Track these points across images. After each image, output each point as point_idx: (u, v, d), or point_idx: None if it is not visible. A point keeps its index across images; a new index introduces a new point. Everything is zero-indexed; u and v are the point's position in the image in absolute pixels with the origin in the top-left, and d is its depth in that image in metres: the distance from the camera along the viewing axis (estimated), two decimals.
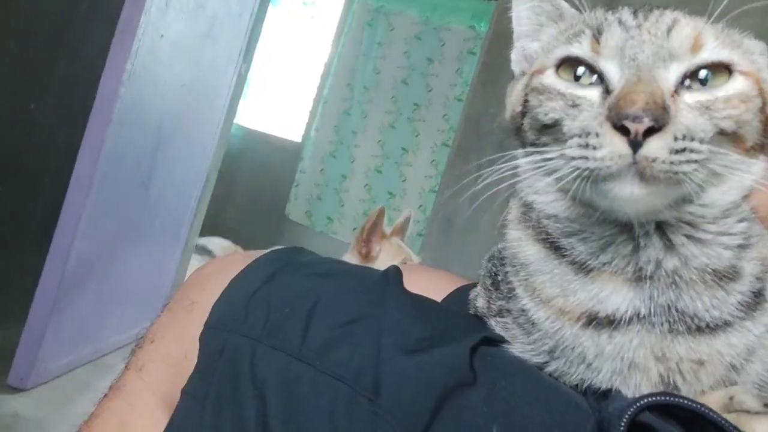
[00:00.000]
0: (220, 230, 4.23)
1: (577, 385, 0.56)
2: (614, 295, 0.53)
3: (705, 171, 0.48)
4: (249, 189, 4.66)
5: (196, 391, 0.59)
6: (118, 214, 2.15)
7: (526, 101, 0.58)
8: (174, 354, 0.66)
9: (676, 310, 0.52)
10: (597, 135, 0.48)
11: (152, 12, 1.87)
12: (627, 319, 0.53)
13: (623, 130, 0.47)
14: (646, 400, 0.50)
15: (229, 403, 0.57)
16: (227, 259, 0.72)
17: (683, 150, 0.47)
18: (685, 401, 0.50)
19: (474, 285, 0.74)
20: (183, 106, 2.33)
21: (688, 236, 0.53)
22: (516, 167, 0.57)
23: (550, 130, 0.54)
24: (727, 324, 0.53)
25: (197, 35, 2.26)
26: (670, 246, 0.53)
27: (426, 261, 2.14)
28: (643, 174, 0.47)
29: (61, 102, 2.12)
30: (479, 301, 0.67)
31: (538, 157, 0.54)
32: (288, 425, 0.54)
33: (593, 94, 0.52)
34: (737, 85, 0.51)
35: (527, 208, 0.60)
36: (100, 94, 1.84)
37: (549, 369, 0.57)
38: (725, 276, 0.53)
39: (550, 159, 0.52)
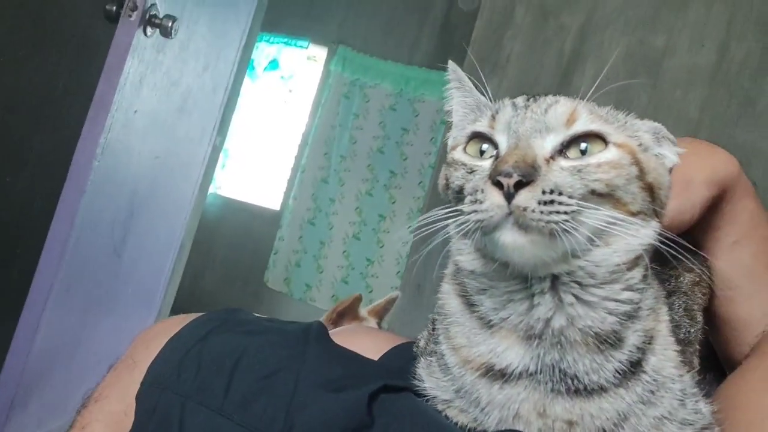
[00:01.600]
0: (199, 298, 4.24)
1: (469, 424, 0.61)
2: (509, 351, 0.59)
3: (579, 224, 0.54)
4: (228, 257, 4.68)
5: None
6: (90, 283, 2.16)
7: (446, 175, 0.65)
8: (116, 412, 0.69)
9: (559, 371, 0.58)
10: (482, 191, 0.56)
11: (126, 89, 1.95)
12: (517, 374, 0.58)
13: (499, 185, 0.54)
14: None
15: None
16: (170, 321, 0.77)
17: (551, 202, 0.53)
18: None
19: (413, 343, 0.80)
20: (156, 176, 2.39)
21: (576, 297, 0.58)
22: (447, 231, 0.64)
23: (459, 195, 0.61)
24: (602, 389, 0.58)
25: (171, 110, 2.34)
26: (560, 305, 0.58)
27: (397, 325, 2.16)
28: (519, 222, 0.53)
29: (36, 176, 2.18)
30: (421, 341, 0.74)
31: (459, 218, 0.60)
32: None
33: (487, 163, 0.60)
34: (609, 154, 0.57)
35: (457, 267, 0.66)
36: (73, 168, 1.89)
37: (455, 405, 0.63)
38: (606, 341, 0.58)
39: (458, 216, 0.59)
